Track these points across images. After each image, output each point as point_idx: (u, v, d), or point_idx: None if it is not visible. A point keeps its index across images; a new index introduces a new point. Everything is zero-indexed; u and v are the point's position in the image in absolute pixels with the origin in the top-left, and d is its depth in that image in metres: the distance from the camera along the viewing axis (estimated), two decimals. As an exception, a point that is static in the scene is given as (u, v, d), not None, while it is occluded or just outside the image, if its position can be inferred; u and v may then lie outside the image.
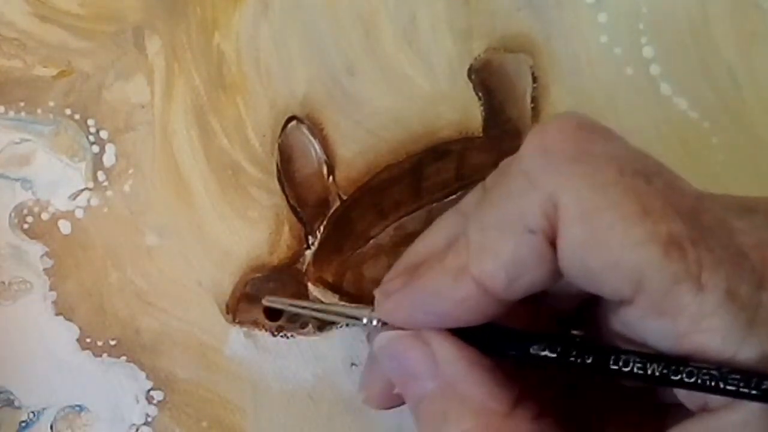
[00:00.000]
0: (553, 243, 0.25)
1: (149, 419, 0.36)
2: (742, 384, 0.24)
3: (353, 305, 0.33)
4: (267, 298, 0.35)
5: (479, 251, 0.26)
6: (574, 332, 0.29)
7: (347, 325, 0.36)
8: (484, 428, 0.26)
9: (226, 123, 0.36)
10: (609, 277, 0.25)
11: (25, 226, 0.36)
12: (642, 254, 0.24)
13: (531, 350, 0.27)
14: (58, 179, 0.36)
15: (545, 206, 0.25)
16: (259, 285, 0.36)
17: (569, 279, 0.26)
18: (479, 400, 0.27)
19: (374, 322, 0.30)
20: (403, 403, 0.30)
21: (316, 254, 0.36)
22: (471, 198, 0.29)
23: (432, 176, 0.36)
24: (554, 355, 0.27)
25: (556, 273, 0.26)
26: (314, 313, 0.34)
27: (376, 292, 0.30)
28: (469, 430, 0.27)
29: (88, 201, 0.36)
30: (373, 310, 0.30)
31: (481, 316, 0.27)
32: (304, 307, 0.34)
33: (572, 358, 0.26)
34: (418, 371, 0.28)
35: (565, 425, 0.27)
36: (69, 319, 0.36)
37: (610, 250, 0.24)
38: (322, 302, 0.35)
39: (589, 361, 0.26)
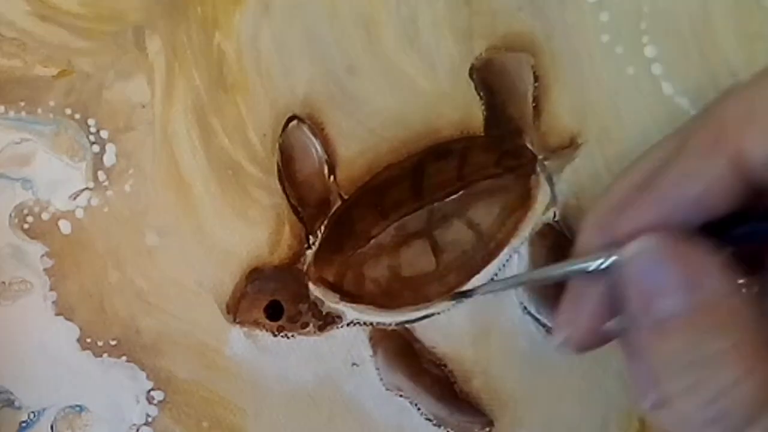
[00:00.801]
0: None
1: (149, 419, 0.36)
2: None
3: (576, 260, 0.30)
4: (479, 287, 0.34)
5: (741, 122, 0.25)
6: None
7: (348, 324, 0.36)
8: (747, 350, 0.25)
9: (227, 123, 0.36)
10: None
11: (26, 226, 0.36)
12: None
13: None
14: (59, 179, 0.36)
15: None
16: (259, 285, 0.36)
17: None
18: (742, 320, 0.25)
19: (610, 260, 0.27)
20: (603, 344, 0.29)
21: (316, 254, 0.36)
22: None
23: (433, 176, 0.36)
24: None
25: None
26: (533, 283, 0.34)
27: (602, 215, 0.28)
28: (731, 348, 0.25)
29: (89, 201, 0.36)
30: (599, 252, 0.28)
31: (733, 200, 0.26)
32: (521, 282, 0.33)
33: None
34: (679, 283, 0.26)
35: None
36: (69, 319, 0.36)
37: None
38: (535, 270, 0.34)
39: None
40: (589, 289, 0.29)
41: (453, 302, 0.35)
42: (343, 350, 0.36)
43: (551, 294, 0.35)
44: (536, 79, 0.36)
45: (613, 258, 0.27)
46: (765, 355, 0.25)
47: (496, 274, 0.36)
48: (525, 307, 0.36)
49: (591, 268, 0.28)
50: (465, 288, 0.35)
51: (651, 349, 0.26)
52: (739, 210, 0.26)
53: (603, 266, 0.28)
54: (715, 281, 0.25)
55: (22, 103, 0.36)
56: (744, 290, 0.26)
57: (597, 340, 0.29)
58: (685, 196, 0.26)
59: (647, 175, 0.28)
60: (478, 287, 0.34)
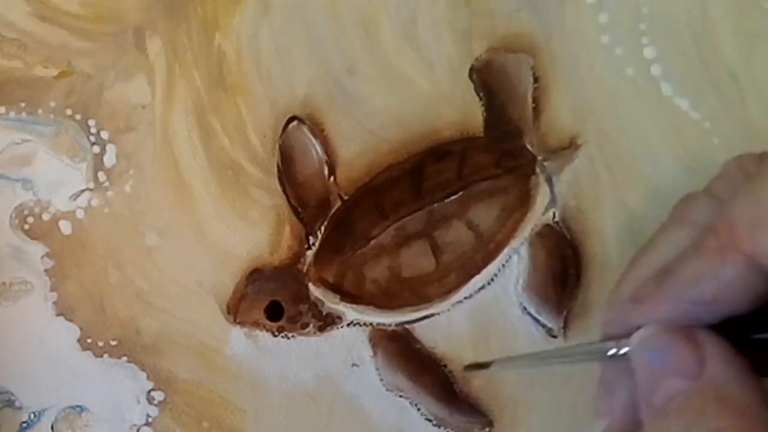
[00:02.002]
0: None
1: (150, 420, 0.36)
2: None
3: (590, 343, 0.32)
4: (496, 361, 0.33)
5: (753, 225, 0.26)
6: None
7: (348, 325, 0.36)
8: (743, 430, 0.25)
9: (227, 123, 0.36)
10: None
11: (26, 226, 0.36)
12: None
13: None
14: (59, 180, 0.36)
15: None
16: (259, 285, 0.36)
17: None
18: (744, 404, 0.26)
19: (624, 350, 0.29)
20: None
21: (316, 254, 0.36)
22: (696, 207, 0.30)
23: (433, 176, 0.36)
24: None
25: None
26: (551, 363, 0.35)
27: (619, 305, 0.29)
28: (727, 428, 0.25)
29: (89, 201, 0.36)
30: (617, 340, 0.29)
31: (750, 299, 0.26)
32: (540, 359, 0.34)
33: None
34: (680, 368, 0.27)
35: None
36: (70, 320, 0.36)
37: None
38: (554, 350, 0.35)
39: None
40: (620, 377, 0.30)
41: (468, 372, 0.35)
42: (343, 350, 0.36)
43: (551, 294, 0.35)
44: (536, 80, 0.36)
45: (626, 348, 0.29)
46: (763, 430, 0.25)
47: (495, 275, 0.36)
48: (525, 308, 0.36)
49: (609, 354, 0.29)
50: (481, 361, 0.34)
51: (654, 428, 0.27)
52: (760, 306, 0.27)
53: (619, 353, 0.29)
54: (717, 366, 0.26)
55: (23, 104, 0.36)
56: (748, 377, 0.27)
57: (636, 427, 0.30)
58: (700, 296, 0.27)
59: (661, 267, 0.29)
60: (496, 360, 0.33)
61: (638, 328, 0.28)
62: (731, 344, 0.27)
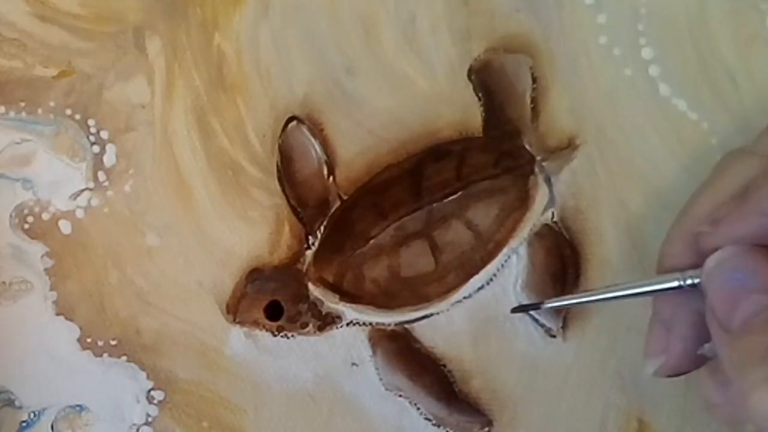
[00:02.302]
0: None
1: (150, 419, 0.36)
2: None
3: (656, 277, 0.31)
4: (547, 301, 0.33)
5: None
6: None
7: (348, 324, 0.36)
8: None
9: (227, 123, 0.36)
10: None
11: (26, 226, 0.36)
12: None
13: None
14: (59, 179, 0.36)
15: None
16: (259, 285, 0.36)
17: None
18: None
19: (693, 281, 0.29)
20: (698, 366, 0.29)
21: (316, 254, 0.36)
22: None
23: (432, 176, 0.36)
24: None
25: None
26: (608, 300, 0.33)
27: (686, 233, 0.29)
28: None
29: (89, 201, 0.36)
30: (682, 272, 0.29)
31: None
32: (596, 298, 0.33)
33: None
34: (760, 284, 0.27)
35: None
36: (69, 319, 0.36)
37: None
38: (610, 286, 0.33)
39: None
40: (680, 311, 0.30)
41: (518, 313, 0.35)
42: (343, 350, 0.36)
43: (550, 294, 0.35)
44: (534, 80, 0.36)
45: (691, 279, 0.29)
46: None
47: (494, 275, 0.36)
48: (524, 307, 0.36)
49: (672, 285, 0.29)
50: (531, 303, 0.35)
51: (735, 348, 0.27)
52: None
53: (684, 285, 0.29)
54: None
55: (23, 104, 0.36)
56: None
57: (692, 363, 0.30)
58: None
59: (734, 192, 0.29)
60: (546, 300, 0.33)
61: (710, 253, 0.28)
62: None
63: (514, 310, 0.34)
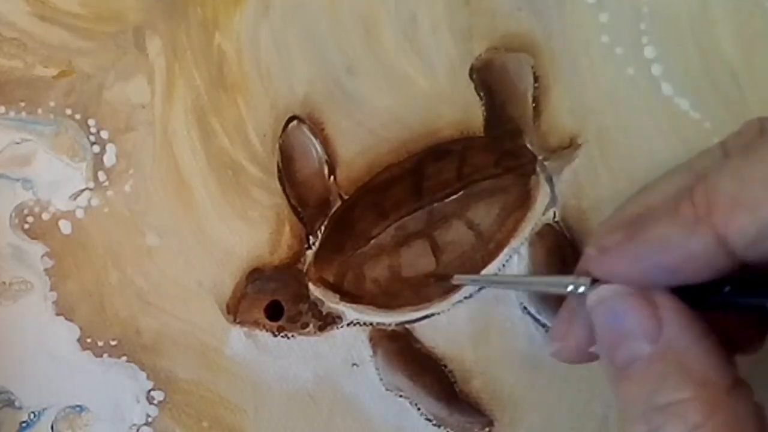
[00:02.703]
0: None
1: (150, 419, 0.36)
2: None
3: (555, 276, 0.32)
4: (456, 276, 0.35)
5: (730, 203, 0.26)
6: None
7: (348, 325, 0.36)
8: (704, 401, 0.25)
9: (227, 123, 0.36)
10: None
11: (26, 226, 0.36)
12: None
13: None
14: (59, 179, 0.36)
15: None
16: (259, 285, 0.36)
17: None
18: (704, 372, 0.26)
19: (581, 289, 0.29)
20: (591, 360, 0.30)
21: (316, 254, 0.36)
22: (705, 157, 0.30)
23: (433, 176, 0.36)
24: None
25: None
26: (509, 287, 0.35)
27: (589, 248, 0.29)
28: (688, 400, 0.25)
29: (89, 201, 0.36)
30: (577, 276, 0.29)
31: (711, 273, 0.26)
32: (499, 282, 0.34)
33: None
34: (638, 331, 0.27)
35: None
36: (69, 320, 0.36)
37: None
38: (516, 276, 0.35)
39: None
40: (579, 309, 0.30)
41: (434, 283, 0.36)
42: (343, 350, 0.36)
43: (552, 295, 0.35)
44: (536, 79, 0.36)
45: (583, 288, 0.29)
46: (725, 400, 0.25)
47: (495, 275, 0.36)
48: (525, 307, 0.36)
49: (568, 290, 0.30)
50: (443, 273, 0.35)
51: (618, 389, 0.27)
52: (719, 278, 0.27)
53: (577, 292, 0.29)
54: (675, 330, 0.27)
55: (23, 104, 0.36)
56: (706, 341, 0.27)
57: (584, 358, 0.30)
58: (664, 262, 0.27)
59: (635, 219, 0.29)
60: (457, 276, 0.34)
61: (600, 275, 0.29)
62: (689, 307, 0.27)
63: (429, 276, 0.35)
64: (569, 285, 0.30)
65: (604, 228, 0.30)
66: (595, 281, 0.29)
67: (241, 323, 0.36)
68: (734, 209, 0.26)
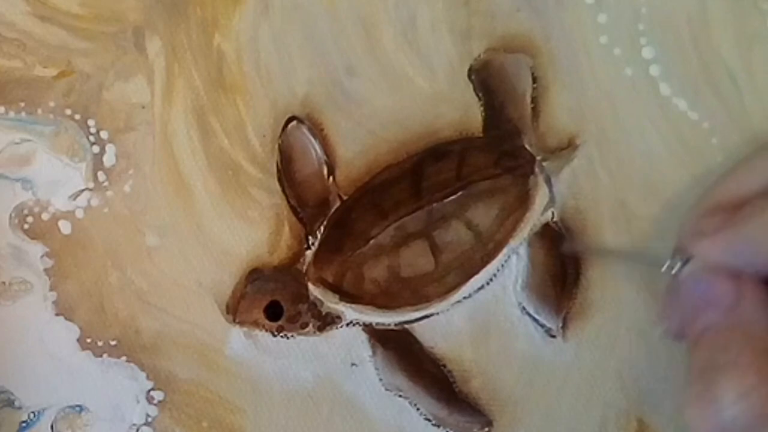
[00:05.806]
0: None
1: (149, 419, 0.36)
2: None
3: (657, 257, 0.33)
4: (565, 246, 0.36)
5: None
6: None
7: (348, 325, 0.36)
8: (761, 367, 0.27)
9: (227, 123, 0.36)
10: None
11: (26, 226, 0.36)
12: None
13: None
14: (59, 179, 0.36)
15: None
16: (259, 285, 0.36)
17: None
18: (765, 343, 0.27)
19: (676, 267, 0.31)
20: None
21: (316, 254, 0.36)
22: None
23: (432, 176, 0.36)
24: None
25: None
26: (613, 258, 0.35)
27: (690, 229, 0.30)
28: (747, 363, 0.27)
29: (89, 201, 0.36)
30: (676, 257, 0.31)
31: None
32: (605, 251, 0.35)
33: None
34: (718, 301, 0.28)
35: None
36: (69, 320, 0.36)
37: None
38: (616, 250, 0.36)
39: None
40: (679, 290, 0.31)
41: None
42: (343, 350, 0.36)
43: (550, 294, 0.35)
44: (535, 80, 0.36)
45: (678, 267, 0.31)
46: None
47: (494, 275, 0.36)
48: (524, 308, 0.36)
49: (663, 270, 0.31)
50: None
51: (690, 361, 0.29)
52: None
53: (671, 272, 0.31)
54: (751, 307, 0.28)
55: (22, 104, 0.36)
56: None
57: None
58: (759, 254, 0.28)
59: (734, 204, 0.30)
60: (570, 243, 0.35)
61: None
62: None
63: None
64: (665, 265, 0.31)
65: (702, 210, 0.31)
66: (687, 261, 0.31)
67: (241, 323, 0.36)
68: None
